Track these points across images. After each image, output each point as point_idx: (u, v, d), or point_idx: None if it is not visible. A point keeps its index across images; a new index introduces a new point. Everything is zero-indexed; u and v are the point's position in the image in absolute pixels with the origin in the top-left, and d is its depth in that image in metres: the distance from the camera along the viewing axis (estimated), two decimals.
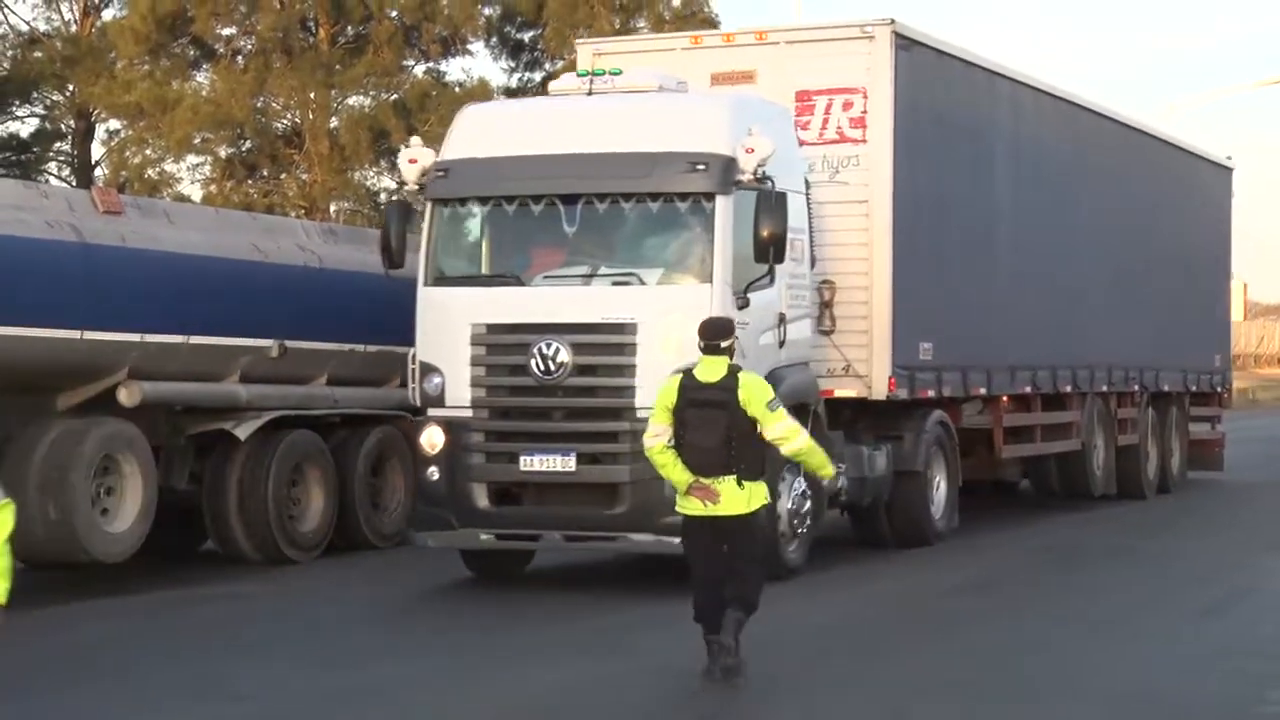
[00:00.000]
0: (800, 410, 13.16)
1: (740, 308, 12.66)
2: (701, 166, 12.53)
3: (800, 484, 13.30)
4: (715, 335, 9.69)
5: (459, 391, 12.77)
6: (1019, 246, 17.74)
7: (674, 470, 9.50)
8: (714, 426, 9.41)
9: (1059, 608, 12.54)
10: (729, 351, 9.65)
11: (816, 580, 13.33)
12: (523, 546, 13.02)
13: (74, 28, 35.07)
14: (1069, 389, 18.84)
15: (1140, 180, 21.13)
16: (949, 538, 16.16)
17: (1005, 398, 17.53)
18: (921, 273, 15.54)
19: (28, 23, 32.64)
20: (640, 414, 12.44)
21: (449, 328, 12.79)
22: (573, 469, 12.58)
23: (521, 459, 12.64)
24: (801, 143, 14.90)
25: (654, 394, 9.83)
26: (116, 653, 10.88)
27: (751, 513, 9.49)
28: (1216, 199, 24.28)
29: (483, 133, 13.17)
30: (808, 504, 13.44)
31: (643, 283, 12.69)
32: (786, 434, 9.55)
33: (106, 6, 32.90)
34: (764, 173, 12.61)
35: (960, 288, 16.46)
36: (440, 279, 12.98)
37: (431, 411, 12.89)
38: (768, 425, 9.45)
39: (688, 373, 9.68)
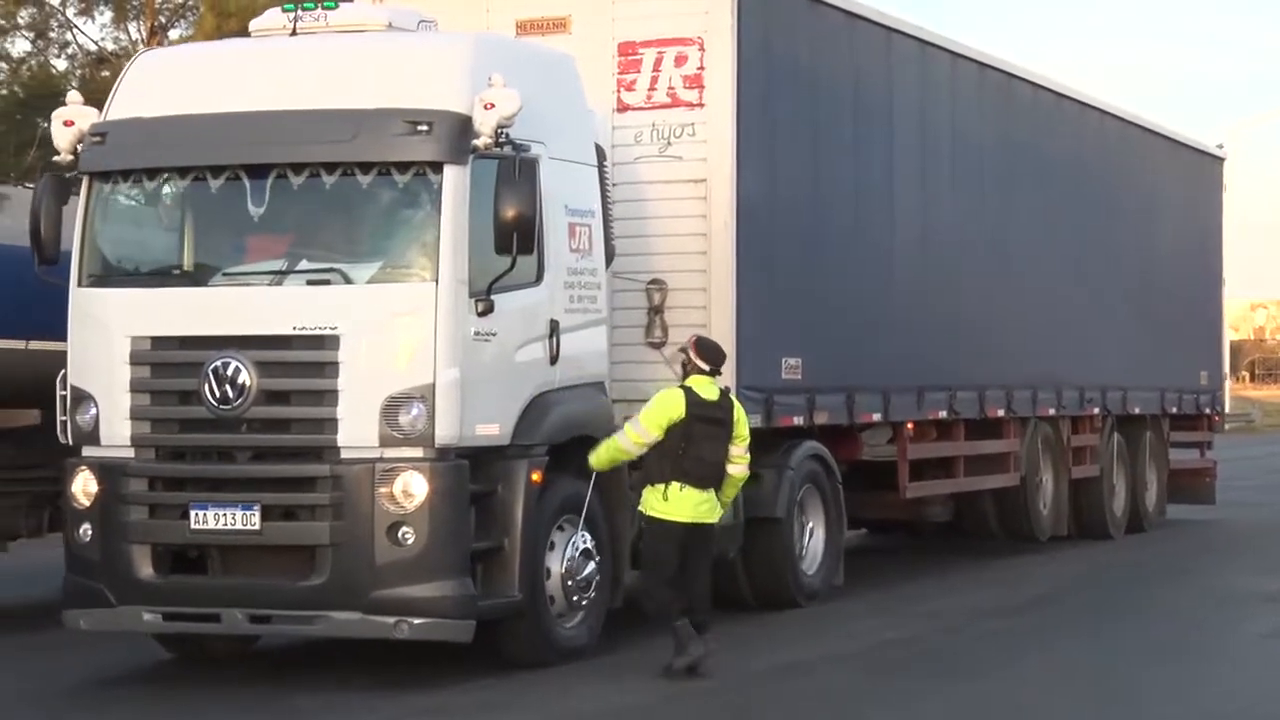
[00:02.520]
0: (585, 445, 10.15)
1: (482, 313, 9.60)
2: (424, 127, 9.44)
3: (582, 540, 10.24)
4: (719, 361, 10.18)
5: (117, 426, 9.73)
6: (931, 246, 14.58)
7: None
8: (718, 442, 10.02)
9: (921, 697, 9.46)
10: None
11: (598, 665, 10.21)
12: (197, 629, 9.89)
13: (141, 47, 32.86)
14: (1001, 413, 15.67)
15: (1104, 171, 17.92)
16: (829, 597, 13.03)
17: (911, 424, 14.39)
18: (781, 273, 12.44)
19: (96, 42, 30.89)
20: (345, 453, 9.44)
21: (104, 342, 9.76)
22: (256, 527, 9.51)
23: (192, 514, 9.59)
24: (625, 107, 11.90)
25: (651, 407, 9.95)
26: None
27: (717, 521, 10.25)
28: (1204, 194, 21.00)
29: (156, 86, 10.06)
30: (590, 565, 10.35)
31: (348, 281, 9.61)
32: (746, 461, 10.30)
33: (173, 26, 30.73)
34: (507, 135, 9.53)
35: (845, 293, 13.34)
36: (95, 278, 9.95)
37: (86, 451, 9.87)
38: (742, 448, 10.19)
39: (688, 389, 9.99)
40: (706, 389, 10.04)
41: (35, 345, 10.38)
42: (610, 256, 10.96)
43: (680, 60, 11.89)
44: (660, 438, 9.87)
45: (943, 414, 14.68)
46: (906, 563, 16.09)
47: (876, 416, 13.73)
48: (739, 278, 11.85)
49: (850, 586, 13.47)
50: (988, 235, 15.62)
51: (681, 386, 10.06)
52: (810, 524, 12.98)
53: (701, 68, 11.85)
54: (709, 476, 9.97)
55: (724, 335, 11.78)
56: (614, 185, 11.20)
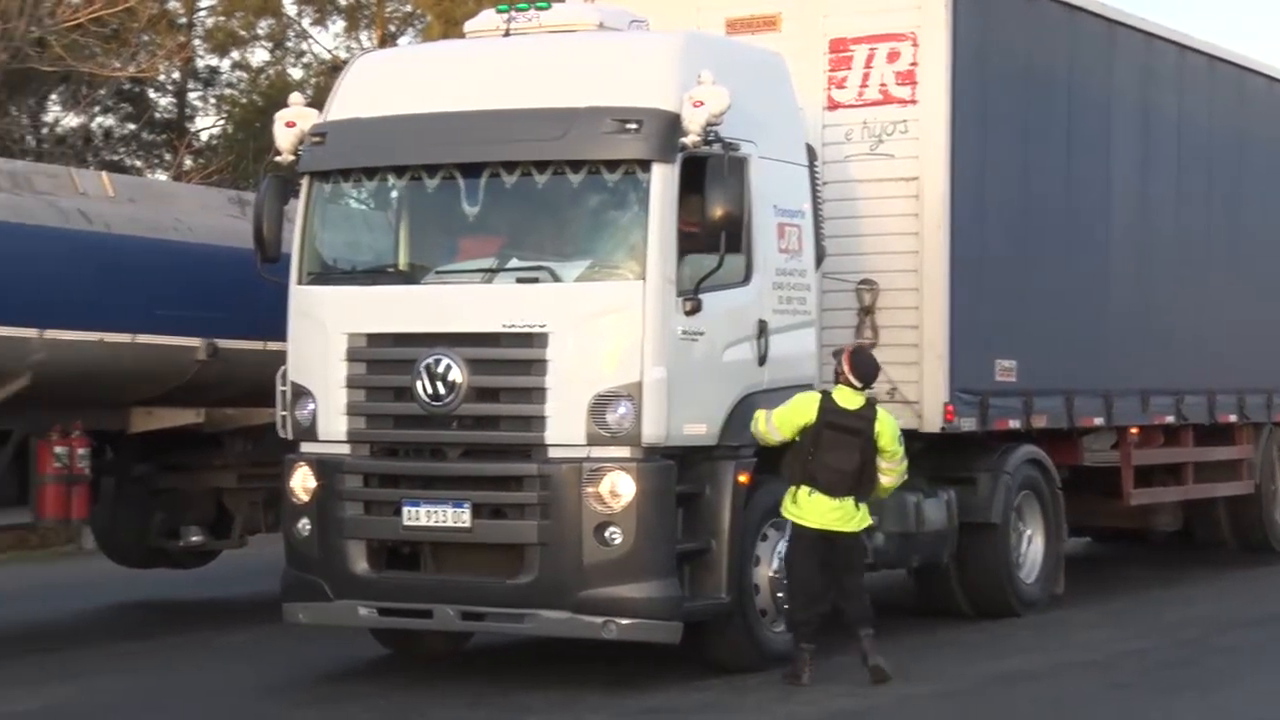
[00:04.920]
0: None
1: (689, 312, 9.55)
2: (633, 126, 9.42)
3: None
4: (869, 379, 9.99)
5: (334, 422, 9.91)
6: (1153, 244, 14.09)
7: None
8: (851, 452, 9.79)
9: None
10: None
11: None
12: (410, 625, 10.02)
13: None
14: (1234, 418, 15.10)
15: None
16: (1049, 606, 12.69)
17: (1135, 429, 13.94)
18: (994, 273, 12.14)
19: (330, 51, 32.02)
20: (552, 451, 9.49)
21: (322, 339, 9.94)
22: (467, 524, 9.60)
23: (404, 510, 9.72)
24: (835, 104, 11.75)
25: (787, 406, 9.81)
26: None
27: (862, 531, 9.95)
28: None
29: (374, 87, 10.21)
30: None
31: (557, 279, 9.65)
32: (899, 471, 10.11)
33: (401, 34, 31.73)
34: (716, 133, 9.46)
35: (1062, 292, 12.96)
36: (315, 275, 10.14)
37: (304, 447, 10.07)
38: (893, 460, 10.00)
39: (825, 395, 9.83)
40: (848, 398, 9.83)
41: (273, 346, 10.65)
42: (820, 257, 10.82)
43: (893, 56, 11.70)
44: (789, 438, 9.75)
45: (1169, 419, 14.20)
46: (1133, 573, 15.57)
47: (1099, 421, 13.33)
48: (952, 278, 11.61)
49: (1073, 596, 13.11)
50: (1215, 232, 15.05)
51: (822, 391, 9.93)
52: (1028, 531, 12.66)
53: (914, 64, 11.64)
54: (838, 485, 9.72)
55: (936, 337, 11.61)
56: (824, 184, 11.06)
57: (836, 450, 9.68)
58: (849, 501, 9.76)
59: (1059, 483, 12.93)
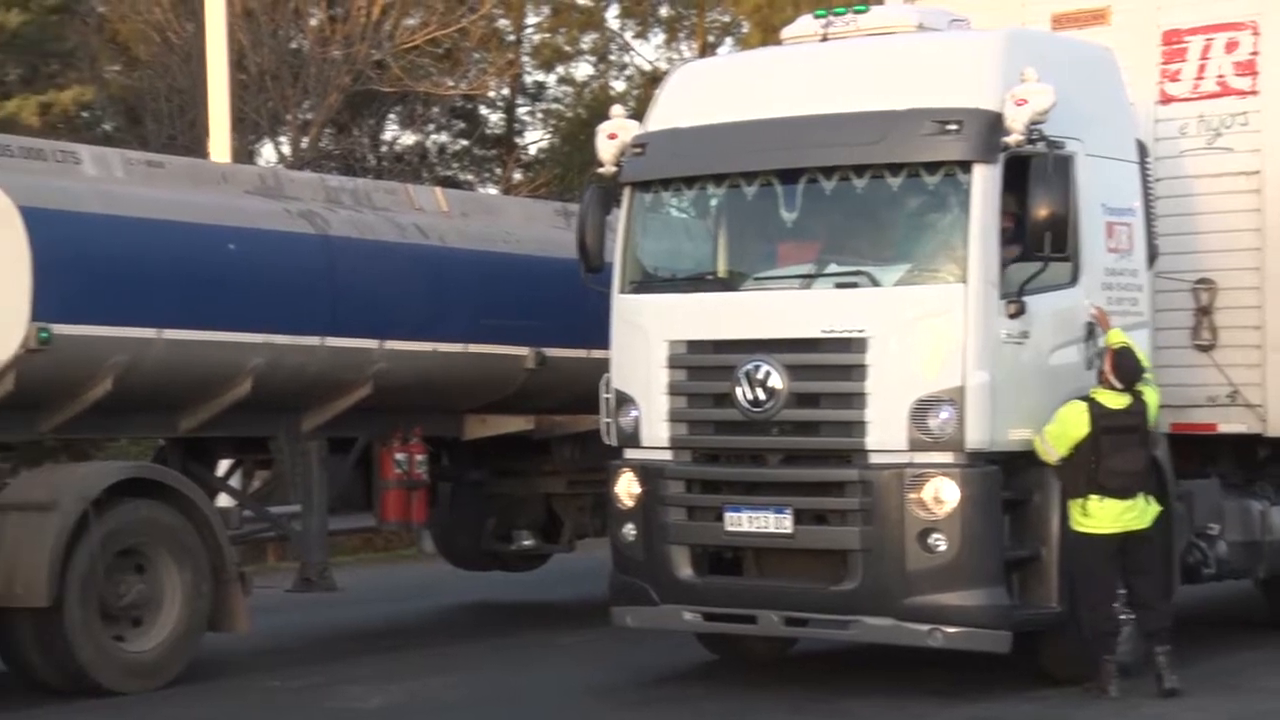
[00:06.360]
0: None
1: (1013, 314, 9.34)
2: (953, 127, 9.26)
3: None
4: (1132, 381, 9.64)
5: (656, 428, 10.02)
6: None
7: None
8: (1134, 450, 9.56)
9: None
10: None
11: (1147, 683, 9.69)
12: (734, 630, 10.05)
13: None
14: None
15: None
16: None
17: None
18: None
19: (650, 63, 32.86)
20: (873, 457, 9.40)
21: (644, 346, 10.07)
22: (789, 530, 9.59)
23: (726, 516, 9.77)
24: (1168, 98, 11.32)
25: (1056, 422, 9.49)
26: None
27: (1153, 525, 9.65)
28: None
29: (692, 97, 10.28)
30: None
31: (876, 283, 9.55)
32: None
33: (721, 43, 32.56)
34: (1040, 132, 9.23)
35: None
36: (636, 284, 10.26)
37: (627, 453, 10.22)
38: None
39: (1092, 401, 9.50)
40: (1113, 399, 9.54)
41: (597, 354, 10.88)
42: (1153, 256, 10.45)
43: (1231, 46, 11.21)
44: (1066, 454, 9.43)
45: None
46: None
47: None
48: None
49: None
50: None
51: (1085, 398, 9.55)
52: None
53: (1255, 53, 11.13)
54: (1130, 486, 9.49)
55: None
56: (1156, 181, 10.68)
57: (1121, 453, 9.45)
58: (1140, 498, 9.53)
59: None
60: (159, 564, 10.41)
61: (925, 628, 9.28)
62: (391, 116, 28.06)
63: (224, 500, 12.10)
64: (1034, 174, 9.19)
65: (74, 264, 10.16)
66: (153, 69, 22.90)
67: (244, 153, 21.22)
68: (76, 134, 19.71)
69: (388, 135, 28.57)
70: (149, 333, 10.51)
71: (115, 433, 12.44)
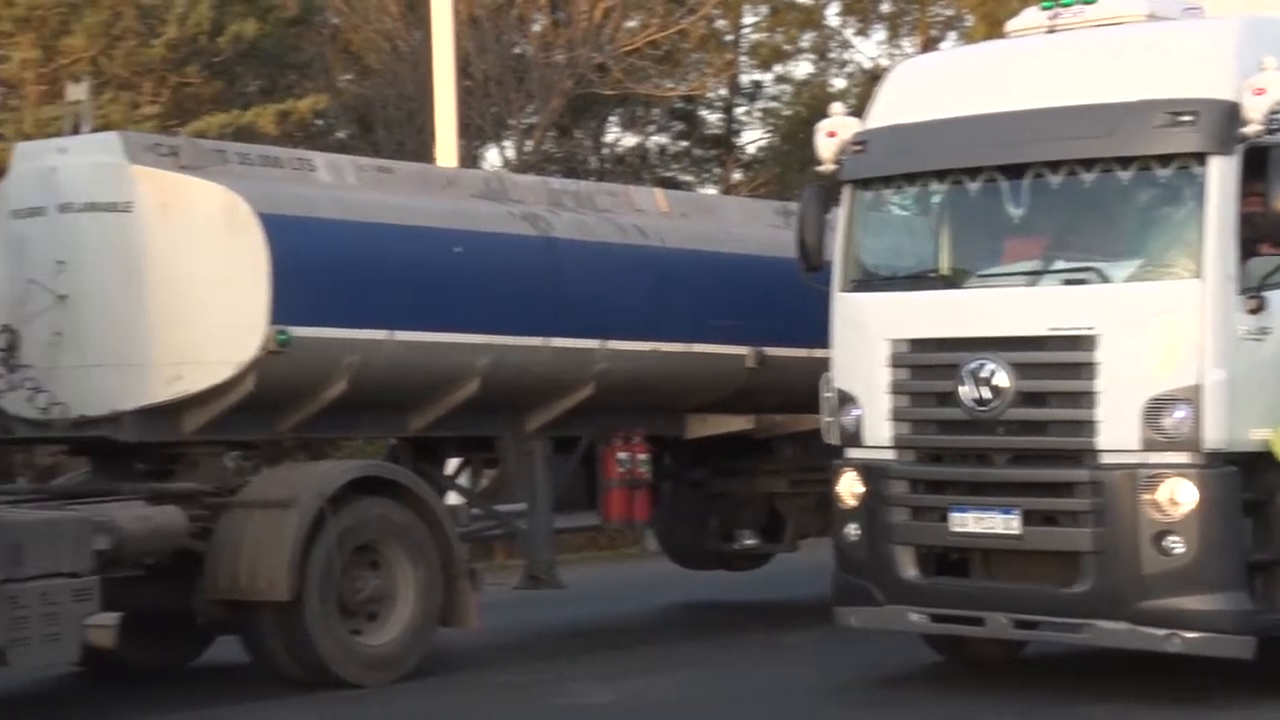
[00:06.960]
0: None
1: (1253, 310, 9.04)
2: (1186, 118, 9.00)
3: None
4: None
5: (878, 427, 9.94)
6: None
7: None
8: None
9: None
10: None
11: None
12: (961, 631, 9.91)
13: None
14: None
15: None
16: None
17: None
18: None
19: (872, 60, 32.66)
20: (1104, 457, 9.18)
21: (865, 345, 9.98)
22: (1017, 531, 9.42)
23: (952, 516, 9.64)
24: None
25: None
26: None
27: None
28: None
29: (914, 93, 10.16)
30: None
31: (1105, 280, 9.31)
32: None
33: (944, 38, 32.43)
34: (1279, 120, 8.92)
35: None
36: (856, 283, 10.19)
37: (849, 453, 10.15)
38: None
39: None
40: None
41: (817, 353, 10.84)
42: None
43: None
44: None
45: None
46: None
47: None
48: None
49: None
50: None
51: None
52: None
53: None
54: None
55: None
56: None
57: None
58: None
59: None
60: (393, 560, 10.66)
61: (1162, 632, 9.03)
62: (612, 119, 28.31)
63: (453, 498, 12.35)
64: (1274, 165, 8.88)
65: (310, 268, 10.47)
66: (382, 77, 23.51)
67: (469, 157, 21.64)
68: (312, 141, 20.35)
69: (609, 138, 28.86)
70: (381, 334, 10.78)
71: (349, 432, 12.78)
